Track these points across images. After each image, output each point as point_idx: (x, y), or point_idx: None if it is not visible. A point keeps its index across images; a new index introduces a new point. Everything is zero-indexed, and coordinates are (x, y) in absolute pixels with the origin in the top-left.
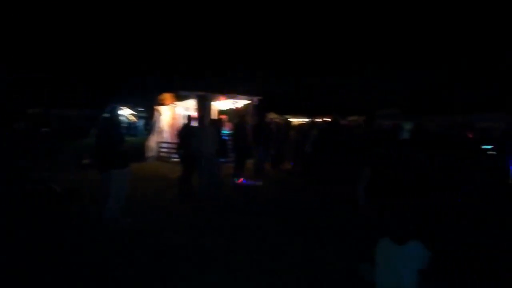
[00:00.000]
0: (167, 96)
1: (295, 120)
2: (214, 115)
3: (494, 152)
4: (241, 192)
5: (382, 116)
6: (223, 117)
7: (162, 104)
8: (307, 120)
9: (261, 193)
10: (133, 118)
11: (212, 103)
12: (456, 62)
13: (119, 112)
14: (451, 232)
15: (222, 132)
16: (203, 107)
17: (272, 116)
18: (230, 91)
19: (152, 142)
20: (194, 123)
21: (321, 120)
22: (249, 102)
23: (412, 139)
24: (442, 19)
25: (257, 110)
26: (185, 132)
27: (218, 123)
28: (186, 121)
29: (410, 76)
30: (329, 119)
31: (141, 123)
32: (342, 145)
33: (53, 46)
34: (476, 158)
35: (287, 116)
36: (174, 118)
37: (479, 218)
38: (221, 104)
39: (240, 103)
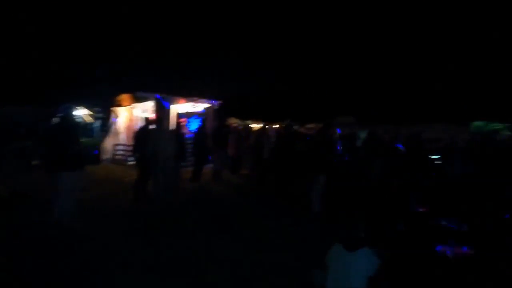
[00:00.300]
0: (124, 97)
1: (256, 126)
2: (173, 118)
3: (440, 162)
4: (198, 196)
5: (337, 124)
6: (183, 120)
7: (120, 105)
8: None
9: (219, 198)
10: (89, 119)
11: (171, 105)
12: (408, 75)
13: (75, 112)
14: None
15: (186, 136)
16: (162, 110)
17: (233, 121)
18: (190, 94)
19: (108, 144)
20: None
21: (274, 126)
22: (209, 106)
23: (365, 147)
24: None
25: (218, 114)
26: (142, 135)
27: (178, 127)
28: (143, 123)
29: (367, 85)
30: (284, 125)
31: (97, 124)
32: (298, 152)
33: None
34: (426, 167)
35: (248, 121)
36: (131, 120)
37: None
38: (180, 107)
39: (200, 106)
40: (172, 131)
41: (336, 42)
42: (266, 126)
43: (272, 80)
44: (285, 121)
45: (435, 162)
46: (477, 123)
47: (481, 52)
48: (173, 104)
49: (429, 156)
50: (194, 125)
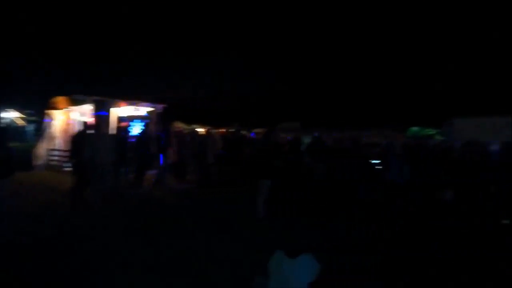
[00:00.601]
0: (60, 99)
1: (202, 130)
2: (113, 122)
3: (381, 167)
4: (139, 204)
5: (282, 130)
6: (124, 124)
7: (55, 108)
8: (203, 129)
9: (161, 203)
10: (21, 122)
11: (112, 109)
12: (351, 82)
13: (3, 114)
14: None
15: (128, 140)
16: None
17: (179, 125)
18: (131, 97)
19: (42, 149)
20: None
21: (220, 130)
22: (152, 109)
23: (309, 152)
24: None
25: (162, 118)
26: (79, 140)
27: (118, 131)
28: (81, 127)
29: (312, 91)
30: (233, 130)
31: (31, 127)
32: (245, 157)
33: None
34: (368, 171)
35: (194, 126)
36: (68, 124)
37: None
38: (121, 111)
39: (142, 110)
40: (112, 135)
41: (283, 47)
42: (211, 131)
43: (219, 84)
44: (233, 126)
45: (376, 167)
46: (413, 129)
47: (417, 60)
48: (114, 107)
49: (371, 161)
50: (136, 129)
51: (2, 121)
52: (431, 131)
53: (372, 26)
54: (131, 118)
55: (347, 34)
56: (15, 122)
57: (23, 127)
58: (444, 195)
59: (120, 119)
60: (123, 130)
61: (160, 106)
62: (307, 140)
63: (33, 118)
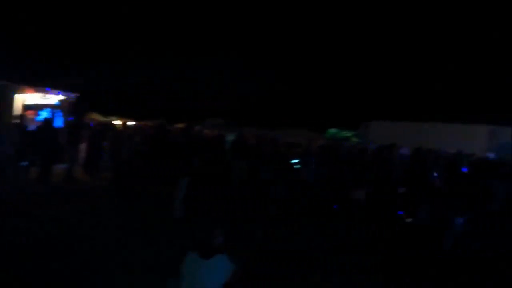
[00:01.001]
0: None
1: (119, 123)
2: (17, 110)
3: (299, 166)
4: (46, 199)
5: (206, 126)
6: (30, 113)
7: None
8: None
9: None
10: None
11: (16, 95)
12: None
13: None
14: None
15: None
16: (3, 100)
17: (94, 117)
18: (40, 83)
19: None
20: None
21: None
22: (64, 98)
23: (232, 150)
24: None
25: (74, 108)
26: None
27: (22, 120)
28: None
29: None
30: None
31: None
32: (166, 153)
33: None
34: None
35: (111, 118)
36: None
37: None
38: (28, 98)
39: (53, 98)
40: (15, 125)
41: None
42: (127, 123)
43: (141, 76)
44: (158, 120)
45: (295, 166)
46: (331, 130)
47: (339, 63)
48: (18, 93)
49: (290, 161)
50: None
51: None
52: (348, 133)
53: (298, 27)
54: (39, 107)
55: (272, 35)
56: None
57: None
58: (355, 194)
59: (26, 107)
60: (27, 119)
61: (73, 95)
62: (231, 137)
63: None
